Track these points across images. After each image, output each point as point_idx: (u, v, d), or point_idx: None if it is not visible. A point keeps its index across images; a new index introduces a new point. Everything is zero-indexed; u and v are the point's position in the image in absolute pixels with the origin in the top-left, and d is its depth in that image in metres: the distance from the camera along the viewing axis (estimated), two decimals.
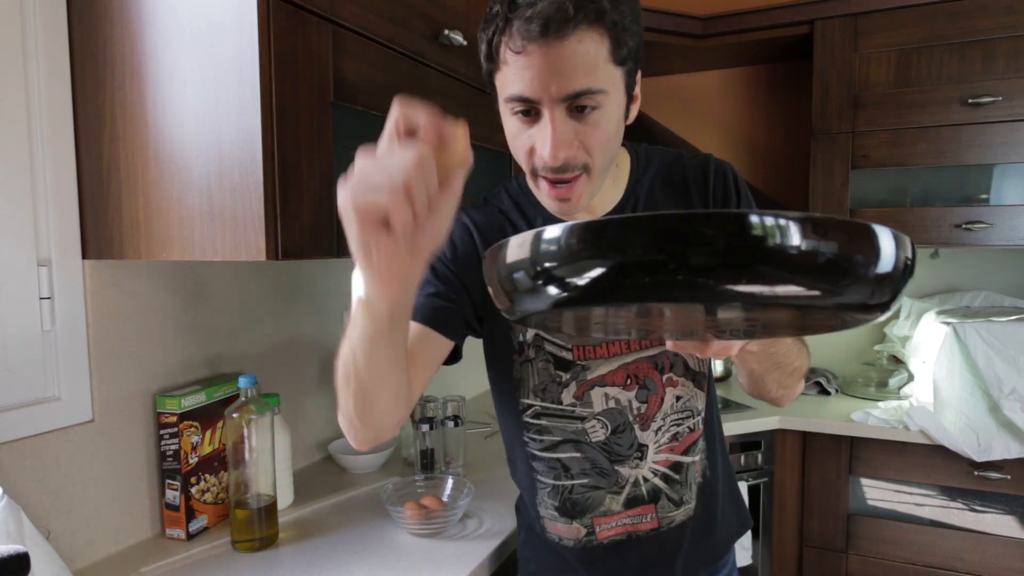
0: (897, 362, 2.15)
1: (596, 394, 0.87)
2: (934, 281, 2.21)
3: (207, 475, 1.17)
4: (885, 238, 0.36)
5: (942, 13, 1.85)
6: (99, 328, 1.06)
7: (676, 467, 0.90)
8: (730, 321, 0.48)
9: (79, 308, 1.03)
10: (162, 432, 1.12)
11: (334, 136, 1.00)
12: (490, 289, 0.45)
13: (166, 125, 0.94)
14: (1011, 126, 1.82)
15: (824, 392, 2.12)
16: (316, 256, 0.98)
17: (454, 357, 0.86)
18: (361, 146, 0.48)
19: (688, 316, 0.48)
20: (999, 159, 1.85)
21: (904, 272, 0.38)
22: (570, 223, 0.37)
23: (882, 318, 0.44)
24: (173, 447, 1.12)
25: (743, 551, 1.83)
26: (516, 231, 0.86)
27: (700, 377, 0.90)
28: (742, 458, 1.88)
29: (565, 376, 0.87)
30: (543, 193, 0.77)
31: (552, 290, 0.38)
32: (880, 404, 1.95)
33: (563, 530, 0.93)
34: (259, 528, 1.09)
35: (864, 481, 1.85)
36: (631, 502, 0.90)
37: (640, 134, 0.92)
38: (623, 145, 0.82)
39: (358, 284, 0.55)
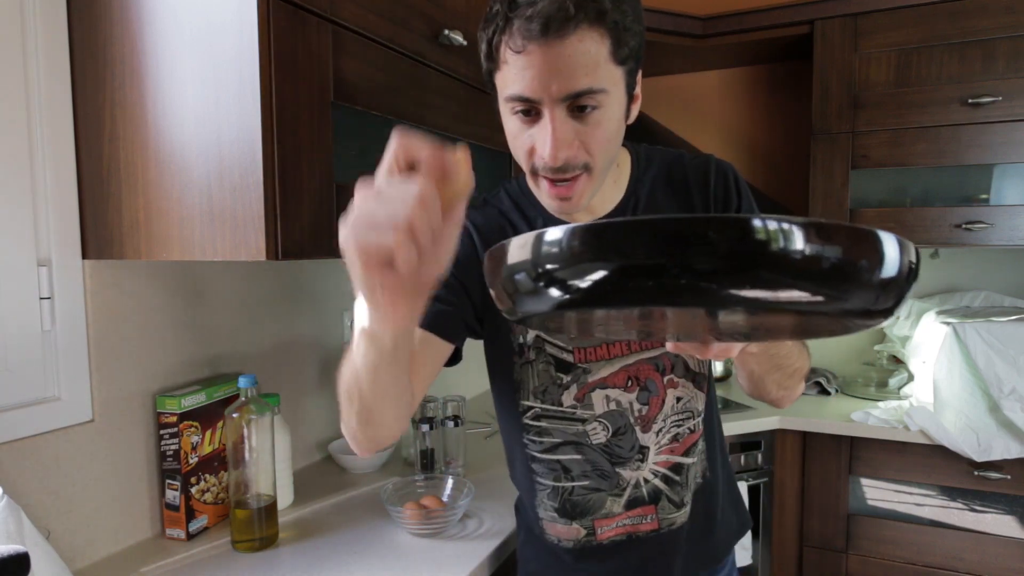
0: (897, 362, 2.15)
1: (597, 396, 0.87)
2: (934, 281, 2.21)
3: (207, 475, 1.17)
4: (889, 243, 0.36)
5: (942, 13, 1.85)
6: (99, 328, 1.06)
7: (676, 468, 0.90)
8: (731, 324, 0.48)
9: (79, 308, 1.03)
10: (162, 432, 1.12)
11: (334, 136, 1.00)
12: (491, 291, 0.44)
13: (166, 125, 0.94)
14: (1011, 126, 1.82)
15: (824, 392, 2.12)
16: (316, 256, 0.98)
17: (454, 359, 0.86)
18: (360, 178, 0.46)
19: (689, 318, 0.48)
20: (999, 159, 1.85)
21: (908, 277, 0.37)
22: (572, 225, 0.36)
23: (884, 324, 0.43)
24: (173, 447, 1.12)
25: (743, 551, 1.83)
26: (516, 232, 0.86)
27: (700, 378, 0.90)
28: (742, 458, 1.88)
29: (566, 378, 0.87)
30: (543, 192, 0.76)
31: (554, 292, 0.38)
32: (880, 404, 1.95)
33: (563, 531, 0.93)
34: (259, 528, 1.09)
35: (864, 481, 1.85)
36: (632, 503, 0.90)
37: (640, 134, 0.92)
38: (623, 145, 0.82)
39: (361, 314, 0.54)
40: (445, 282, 0.83)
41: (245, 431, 1.08)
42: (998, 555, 1.72)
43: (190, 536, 1.13)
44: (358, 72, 1.05)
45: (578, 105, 0.69)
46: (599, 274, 0.36)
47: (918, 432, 1.74)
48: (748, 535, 1.77)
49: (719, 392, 2.06)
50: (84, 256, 1.03)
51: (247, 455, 1.09)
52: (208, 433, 1.17)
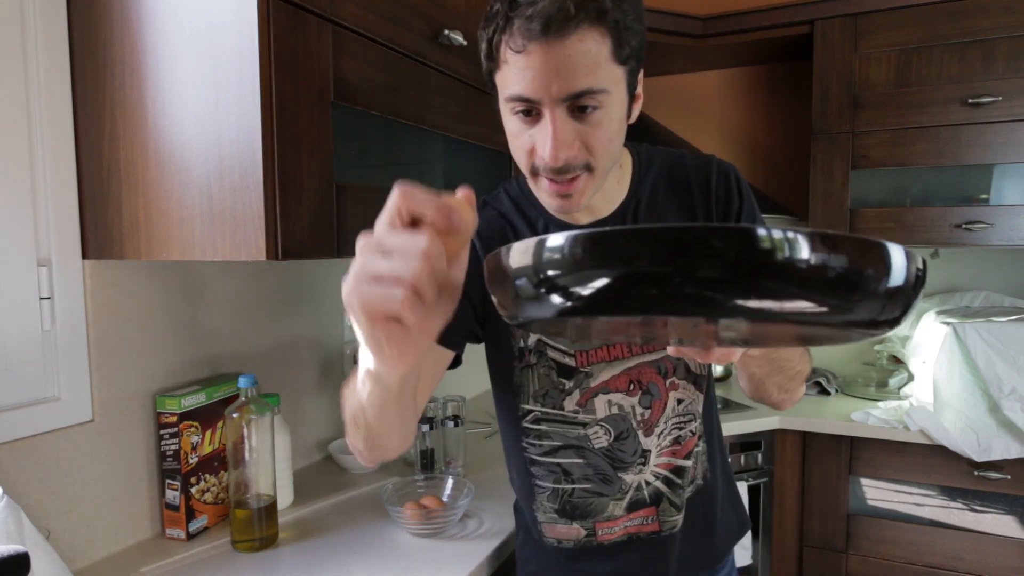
0: (897, 362, 2.15)
1: (599, 401, 0.87)
2: (934, 281, 2.21)
3: (207, 475, 1.17)
4: (896, 252, 0.35)
5: (942, 13, 1.85)
6: (99, 328, 1.06)
7: (678, 471, 0.90)
8: (734, 330, 0.48)
9: (79, 308, 1.03)
10: (162, 432, 1.12)
11: (334, 136, 1.00)
12: (492, 296, 0.44)
13: (166, 125, 0.94)
14: (1011, 126, 1.82)
15: (824, 392, 2.12)
16: (316, 256, 0.98)
17: (454, 363, 0.85)
18: (363, 233, 0.44)
19: (691, 324, 0.48)
20: (999, 159, 1.85)
21: (915, 286, 0.37)
22: (575, 232, 0.36)
23: (889, 333, 0.43)
24: (173, 447, 1.12)
25: (743, 551, 1.83)
26: (517, 234, 0.86)
27: (701, 379, 0.90)
28: (742, 458, 1.88)
29: (568, 384, 0.86)
30: (544, 191, 0.76)
31: (556, 299, 0.37)
32: (880, 404, 1.95)
33: (563, 531, 0.93)
34: (259, 528, 1.09)
35: (864, 481, 1.85)
36: (633, 506, 0.90)
37: (640, 134, 0.92)
38: (624, 146, 0.82)
39: (366, 356, 0.52)
40: None
41: (245, 431, 1.08)
42: (998, 555, 1.72)
43: (190, 536, 1.13)
44: (358, 72, 1.05)
45: (579, 105, 0.68)
46: (602, 282, 0.35)
47: (918, 432, 1.74)
48: (748, 535, 1.77)
49: (719, 392, 2.06)
50: (84, 256, 1.03)
51: (247, 455, 1.09)
52: (208, 433, 1.17)
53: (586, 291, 0.36)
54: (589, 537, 0.92)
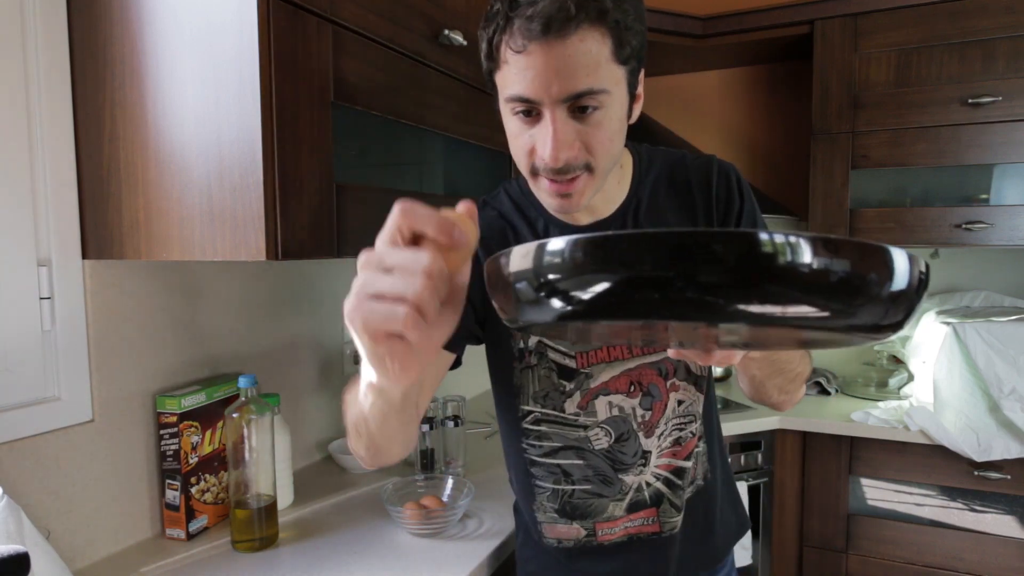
0: (897, 362, 2.15)
1: (600, 403, 0.86)
2: (934, 281, 2.21)
3: (207, 475, 1.17)
4: (899, 256, 0.35)
5: (942, 13, 1.85)
6: (99, 328, 1.06)
7: (678, 472, 0.90)
8: (735, 334, 0.48)
9: (79, 308, 1.03)
10: (162, 432, 1.12)
11: (334, 136, 1.00)
12: (492, 299, 0.44)
13: (166, 125, 0.94)
14: (1011, 126, 1.82)
15: (824, 392, 2.12)
16: (316, 256, 0.98)
17: (455, 364, 0.85)
18: (364, 250, 0.44)
19: (692, 328, 0.48)
20: (999, 159, 1.85)
21: (918, 290, 0.37)
22: (575, 236, 0.36)
23: (893, 337, 0.43)
24: (173, 447, 1.12)
25: (743, 551, 1.83)
26: (517, 234, 0.86)
27: (701, 380, 0.90)
28: (742, 458, 1.88)
29: (569, 386, 0.86)
30: (544, 192, 0.75)
31: (556, 303, 0.37)
32: (880, 404, 1.96)
33: (563, 531, 0.93)
34: (259, 528, 1.09)
35: (864, 481, 1.85)
36: (633, 507, 0.90)
37: (640, 134, 0.91)
38: (625, 145, 0.81)
39: (368, 370, 0.51)
40: None
41: (245, 431, 1.08)
42: (998, 555, 1.72)
43: (190, 536, 1.13)
44: (358, 72, 1.05)
45: (579, 106, 0.68)
46: (603, 286, 0.35)
47: (918, 432, 1.74)
48: (748, 535, 1.77)
49: (719, 393, 2.06)
50: (84, 256, 1.03)
51: (247, 455, 1.09)
52: (208, 433, 1.17)
53: (587, 295, 0.36)
54: (589, 537, 0.92)
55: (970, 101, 1.83)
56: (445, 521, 1.13)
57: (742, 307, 0.34)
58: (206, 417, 1.17)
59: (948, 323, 1.78)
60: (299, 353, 1.50)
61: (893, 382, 2.09)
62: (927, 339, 1.91)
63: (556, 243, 0.36)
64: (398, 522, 1.14)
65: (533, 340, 0.86)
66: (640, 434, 0.87)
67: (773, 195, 2.40)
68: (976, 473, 1.72)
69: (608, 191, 0.82)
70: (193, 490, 1.14)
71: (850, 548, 1.87)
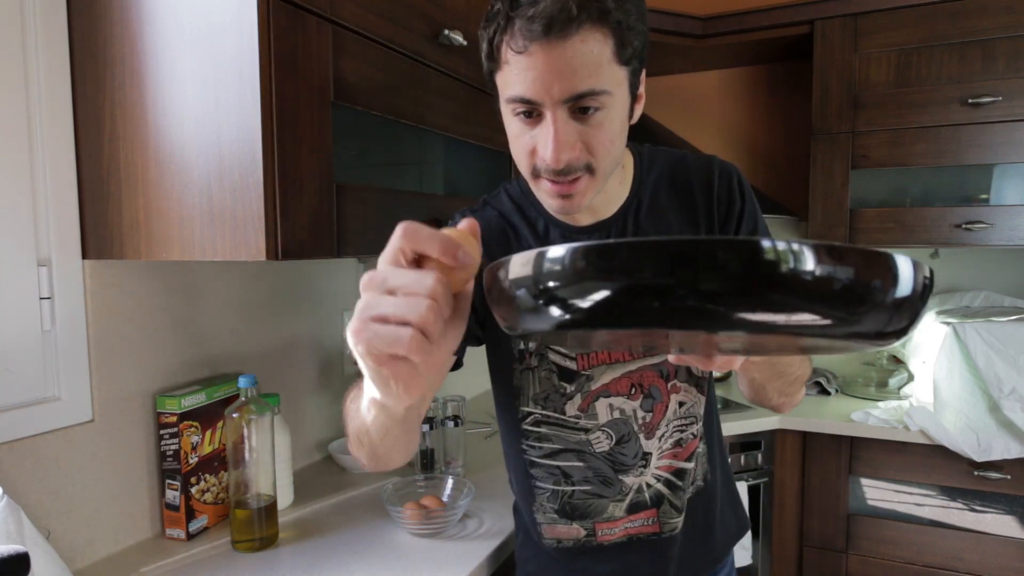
0: (897, 362, 2.15)
1: (601, 405, 0.86)
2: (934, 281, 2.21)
3: (207, 475, 1.17)
4: (903, 263, 0.35)
5: (942, 13, 1.85)
6: (99, 328, 1.06)
7: (679, 473, 0.90)
8: (736, 340, 0.48)
9: (79, 308, 1.03)
10: (162, 432, 1.12)
11: (334, 136, 1.00)
12: (491, 306, 0.43)
13: (166, 125, 0.94)
14: (1011, 126, 1.82)
15: (824, 392, 2.12)
16: (316, 256, 0.97)
17: (455, 365, 0.85)
18: (367, 271, 0.43)
19: (693, 335, 0.48)
20: (999, 159, 1.85)
21: (922, 296, 0.36)
22: (575, 244, 0.35)
23: (896, 343, 0.42)
24: (173, 447, 1.12)
25: (743, 551, 1.83)
26: (517, 235, 0.86)
27: (702, 382, 0.90)
28: (742, 458, 1.88)
29: (569, 388, 0.86)
30: (545, 192, 0.75)
31: (555, 311, 0.37)
32: (880, 404, 1.96)
33: (563, 532, 0.93)
34: (259, 528, 1.09)
35: (864, 481, 1.85)
36: (634, 508, 0.90)
37: (640, 134, 0.91)
38: (626, 146, 0.81)
39: (372, 388, 0.50)
40: None
41: (245, 431, 1.08)
42: (998, 555, 1.72)
43: (190, 536, 1.13)
44: (358, 72, 1.05)
45: (581, 106, 0.68)
46: (603, 294, 0.35)
47: (918, 432, 1.74)
48: (748, 535, 1.77)
49: (719, 393, 2.06)
50: (84, 256, 1.03)
51: (247, 455, 1.09)
52: (208, 433, 1.17)
53: (587, 303, 0.35)
54: (589, 537, 0.92)
55: (970, 101, 1.83)
56: (445, 521, 1.13)
57: (744, 316, 0.33)
58: (206, 417, 1.17)
59: (948, 323, 1.78)
60: (299, 353, 1.50)
61: (893, 382, 2.09)
62: (927, 339, 1.91)
63: (556, 250, 0.36)
64: (398, 522, 1.14)
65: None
66: (641, 436, 0.87)
67: (773, 195, 2.40)
68: (976, 473, 1.72)
69: (609, 192, 0.82)
70: (193, 490, 1.14)
71: (850, 548, 1.87)
